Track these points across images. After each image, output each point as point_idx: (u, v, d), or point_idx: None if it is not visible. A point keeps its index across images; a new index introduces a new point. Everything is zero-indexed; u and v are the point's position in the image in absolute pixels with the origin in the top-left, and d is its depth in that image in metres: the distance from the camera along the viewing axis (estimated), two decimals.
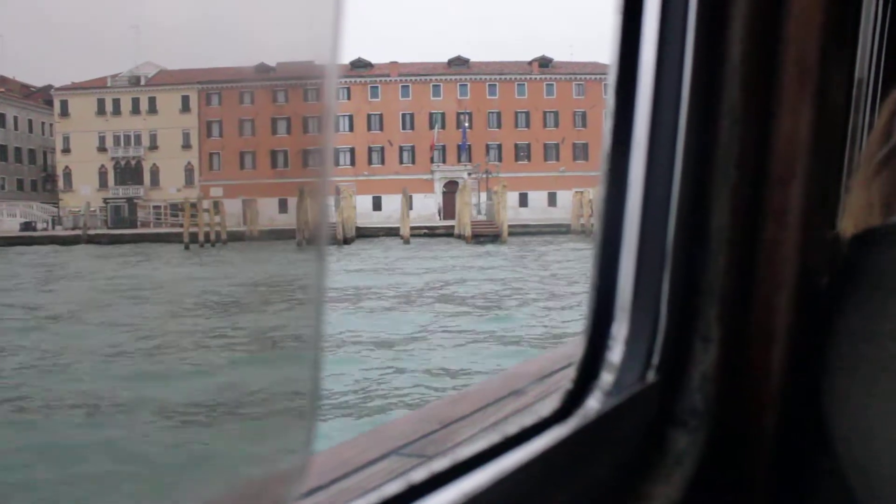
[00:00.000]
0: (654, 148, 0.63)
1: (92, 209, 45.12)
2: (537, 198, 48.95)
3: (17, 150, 50.79)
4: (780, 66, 0.65)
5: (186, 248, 31.14)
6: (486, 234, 33.05)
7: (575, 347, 0.66)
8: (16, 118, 50.33)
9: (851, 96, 0.75)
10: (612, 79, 0.62)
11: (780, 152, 0.65)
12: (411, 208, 42.20)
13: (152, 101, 48.20)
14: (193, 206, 35.83)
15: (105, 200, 45.70)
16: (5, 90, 49.13)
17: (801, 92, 0.64)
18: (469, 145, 48.17)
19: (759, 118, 0.65)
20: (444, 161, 48.49)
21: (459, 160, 48.18)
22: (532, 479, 0.51)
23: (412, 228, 35.72)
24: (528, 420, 0.54)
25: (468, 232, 32.86)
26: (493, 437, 0.51)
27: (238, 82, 42.15)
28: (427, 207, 44.94)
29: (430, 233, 36.87)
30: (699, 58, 0.62)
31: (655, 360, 0.64)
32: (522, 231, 37.23)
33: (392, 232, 34.36)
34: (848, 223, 0.69)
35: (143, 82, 48.01)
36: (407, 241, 32.35)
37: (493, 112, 50.04)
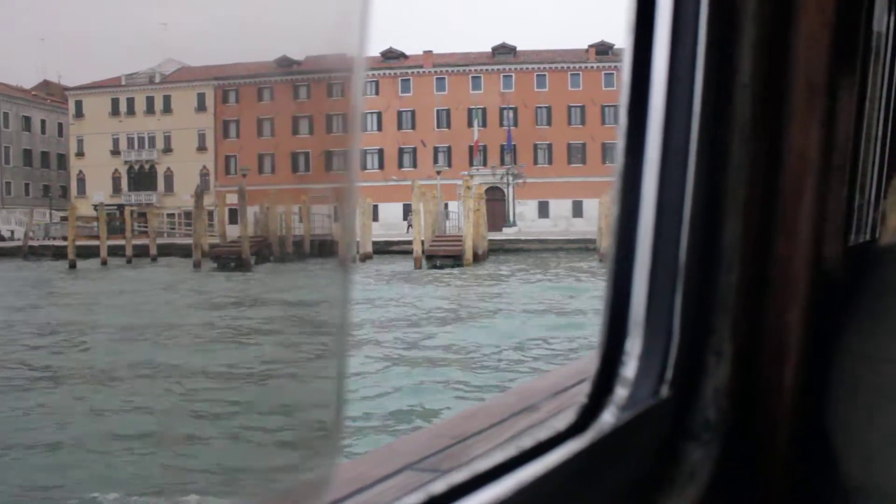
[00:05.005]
0: (666, 165, 0.72)
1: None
2: (592, 206, 47.83)
3: (45, 154, 53.64)
4: (789, 84, 0.74)
5: (72, 266, 28.67)
6: (445, 256, 27.97)
7: (588, 363, 0.75)
8: (43, 122, 53.26)
9: (862, 113, 0.87)
10: (623, 98, 0.72)
11: (791, 168, 0.74)
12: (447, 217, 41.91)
13: (167, 99, 50.15)
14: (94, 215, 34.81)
15: (95, 208, 45.94)
16: (42, 94, 52.35)
17: (810, 109, 0.73)
18: (514, 145, 47.25)
19: (769, 135, 0.74)
20: (484, 164, 47.63)
21: (503, 162, 47.25)
22: (549, 492, 0.57)
23: (386, 244, 32.96)
24: (544, 434, 0.61)
25: (421, 251, 27.73)
26: (509, 451, 0.57)
27: (257, 77, 43.54)
28: (462, 217, 44.75)
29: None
30: (710, 76, 0.71)
31: (669, 374, 0.73)
32: (539, 247, 32.18)
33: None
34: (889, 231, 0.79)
35: (157, 79, 50.35)
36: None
37: (541, 107, 48.87)
